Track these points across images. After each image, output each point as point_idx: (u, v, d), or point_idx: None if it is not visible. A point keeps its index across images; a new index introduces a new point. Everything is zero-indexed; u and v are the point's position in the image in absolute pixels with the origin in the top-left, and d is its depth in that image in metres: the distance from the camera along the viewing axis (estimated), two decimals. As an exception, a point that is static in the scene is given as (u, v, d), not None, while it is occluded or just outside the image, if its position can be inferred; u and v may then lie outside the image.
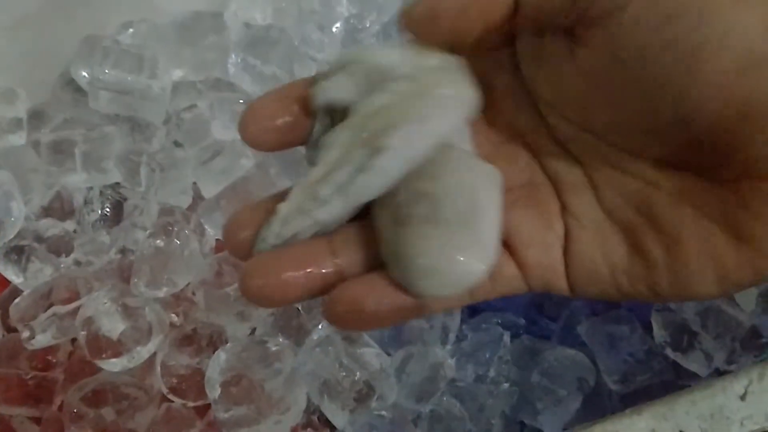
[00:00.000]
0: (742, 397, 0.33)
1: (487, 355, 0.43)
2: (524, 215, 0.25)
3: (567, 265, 0.24)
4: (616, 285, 0.24)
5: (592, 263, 0.24)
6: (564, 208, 0.25)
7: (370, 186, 0.22)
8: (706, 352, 0.45)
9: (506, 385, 0.42)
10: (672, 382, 0.44)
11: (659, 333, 0.45)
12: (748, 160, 0.20)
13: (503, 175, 0.24)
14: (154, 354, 0.41)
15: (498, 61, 0.25)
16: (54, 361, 0.43)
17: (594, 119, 0.23)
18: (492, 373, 0.43)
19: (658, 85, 0.20)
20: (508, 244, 0.24)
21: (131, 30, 0.48)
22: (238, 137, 0.46)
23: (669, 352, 0.45)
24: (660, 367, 0.45)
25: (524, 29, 0.24)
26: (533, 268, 0.24)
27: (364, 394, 0.40)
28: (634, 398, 0.42)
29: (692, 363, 0.44)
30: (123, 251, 0.43)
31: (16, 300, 0.42)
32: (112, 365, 0.41)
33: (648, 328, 0.46)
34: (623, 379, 0.44)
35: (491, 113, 0.26)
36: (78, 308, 0.41)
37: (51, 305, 0.41)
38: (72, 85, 0.48)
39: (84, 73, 0.46)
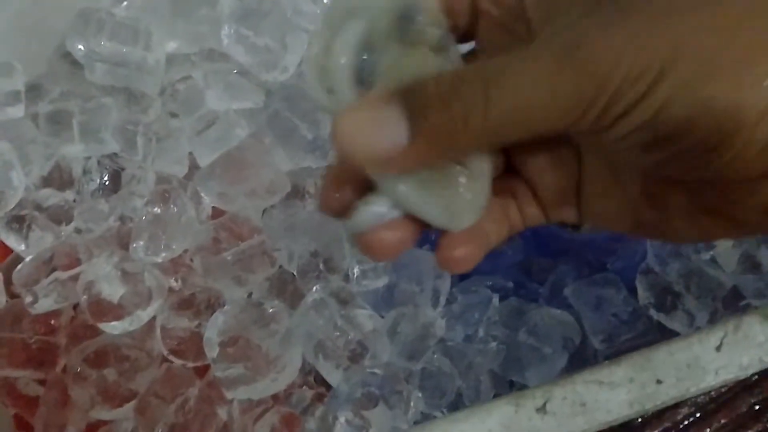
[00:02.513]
0: (718, 348, 0.34)
1: (476, 316, 0.44)
2: (544, 162, 0.27)
3: (578, 204, 0.27)
4: (619, 223, 0.26)
5: (601, 202, 0.26)
6: (581, 156, 0.26)
7: None
8: (688, 312, 0.46)
9: (494, 344, 0.43)
10: (655, 342, 0.46)
11: (643, 294, 0.47)
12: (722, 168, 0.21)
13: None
14: (154, 317, 0.43)
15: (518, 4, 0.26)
16: (56, 325, 0.44)
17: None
18: (480, 332, 0.44)
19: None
20: (532, 185, 0.27)
21: (125, 3, 0.49)
22: (232, 107, 0.48)
23: (653, 312, 0.46)
24: (644, 328, 0.46)
25: None
26: (552, 206, 0.27)
27: (357, 354, 0.42)
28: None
29: (675, 323, 0.46)
30: (122, 219, 0.45)
31: (19, 266, 0.43)
32: (113, 328, 0.42)
33: (633, 290, 0.47)
34: (608, 339, 0.45)
35: None
36: (79, 274, 0.43)
37: (53, 271, 0.43)
38: (68, 58, 0.49)
39: (80, 46, 0.47)
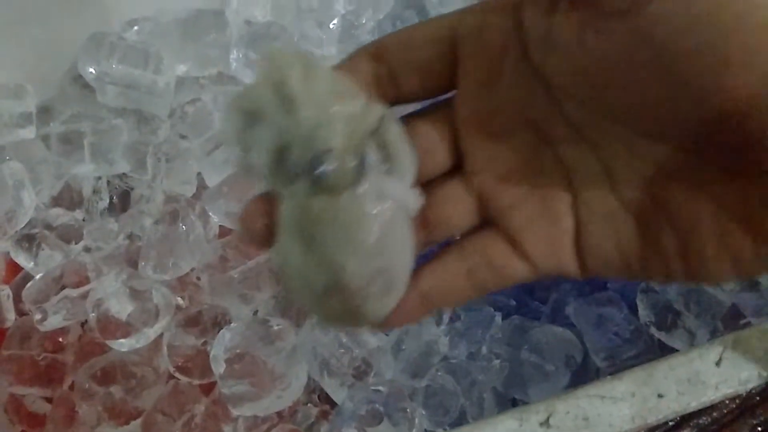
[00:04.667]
0: (717, 363, 0.35)
1: (479, 334, 0.45)
2: (531, 210, 0.24)
3: (578, 254, 0.24)
4: (628, 270, 0.24)
5: (604, 251, 0.24)
6: (576, 198, 0.24)
7: None
8: (688, 331, 0.47)
9: (497, 361, 0.44)
10: (656, 359, 0.46)
11: (644, 313, 0.47)
12: None
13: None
14: (161, 335, 0.43)
15: (504, 46, 0.24)
16: (64, 342, 0.45)
17: (611, 102, 0.22)
18: (484, 350, 0.45)
19: (681, 81, 0.20)
20: (513, 240, 0.24)
21: (136, 27, 0.50)
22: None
23: (653, 330, 0.47)
24: (645, 346, 0.47)
25: (534, 9, 0.23)
26: (540, 259, 0.24)
27: (361, 371, 0.42)
28: (619, 374, 0.44)
29: (676, 341, 0.47)
30: (130, 237, 0.45)
31: (29, 284, 0.44)
32: (121, 345, 0.43)
33: (634, 308, 0.48)
34: (610, 357, 0.46)
35: (499, 101, 0.24)
36: (88, 291, 0.43)
37: (62, 288, 0.43)
38: (79, 81, 0.50)
39: (91, 69, 0.48)
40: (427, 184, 0.25)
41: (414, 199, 0.24)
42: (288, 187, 0.23)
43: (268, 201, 0.24)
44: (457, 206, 0.25)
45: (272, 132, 0.23)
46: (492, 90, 0.24)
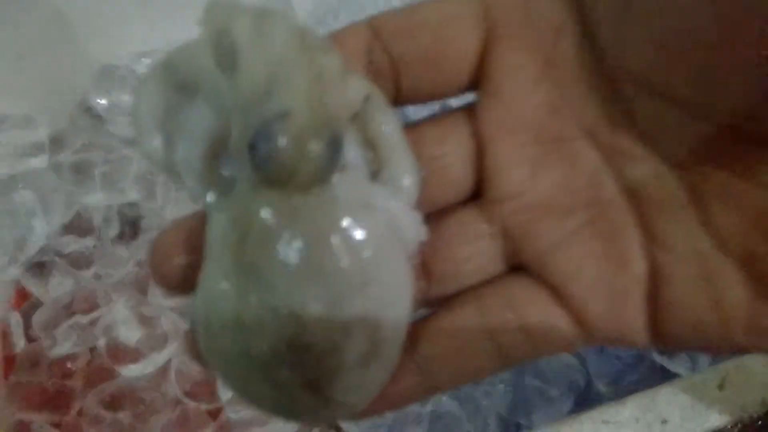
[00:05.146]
0: (720, 388, 0.35)
1: (484, 360, 0.45)
2: (587, 251, 0.18)
3: (652, 316, 0.17)
4: (728, 338, 0.17)
5: (692, 312, 0.17)
6: (650, 236, 0.17)
7: None
8: (690, 355, 0.47)
9: (501, 386, 0.44)
10: (659, 385, 0.47)
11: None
12: None
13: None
14: (170, 360, 0.44)
15: (559, 25, 0.17)
16: (73, 369, 0.45)
17: (716, 97, 0.15)
18: (488, 376, 0.45)
19: None
20: (562, 294, 0.18)
21: (145, 59, 0.51)
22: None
23: (656, 356, 0.47)
24: (647, 371, 0.47)
25: None
26: (596, 320, 0.18)
27: (367, 396, 0.43)
28: (622, 399, 0.45)
29: (678, 366, 0.47)
30: (140, 264, 0.46)
31: (39, 310, 0.44)
32: (130, 371, 0.43)
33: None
34: (612, 382, 0.46)
35: (547, 100, 0.18)
36: (97, 318, 0.44)
37: (72, 315, 0.44)
38: (90, 112, 0.51)
39: (102, 100, 0.49)
40: (434, 215, 0.19)
41: (415, 228, 0.17)
42: (224, 197, 0.16)
43: (190, 228, 0.17)
44: (477, 245, 0.18)
45: (207, 112, 0.16)
46: (537, 85, 0.18)
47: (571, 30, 0.17)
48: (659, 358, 0.47)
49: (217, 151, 0.16)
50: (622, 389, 0.46)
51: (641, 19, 0.16)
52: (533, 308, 0.18)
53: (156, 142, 0.16)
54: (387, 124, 0.17)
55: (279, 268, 0.15)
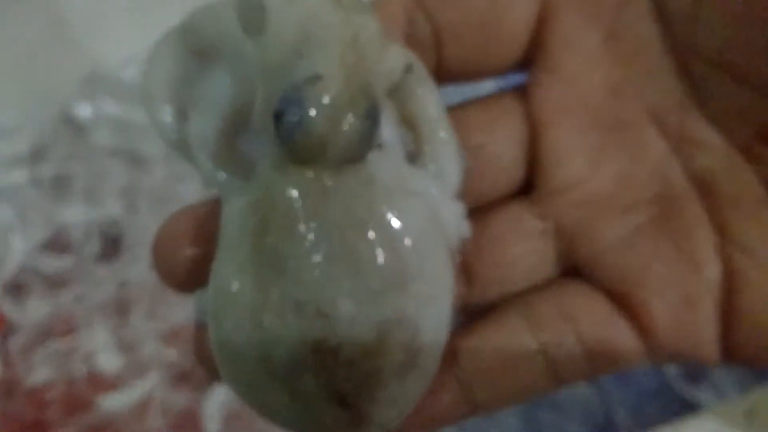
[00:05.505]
0: (747, 417, 0.32)
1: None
2: (653, 252, 0.16)
3: (725, 327, 0.16)
4: None
5: None
6: (724, 236, 0.16)
7: None
8: (716, 386, 0.44)
9: (513, 420, 0.41)
10: (683, 415, 0.44)
11: (669, 367, 0.45)
12: None
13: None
14: (152, 389, 0.41)
15: (627, 2, 0.16)
16: (51, 397, 0.42)
17: None
18: (498, 407, 0.42)
19: None
20: (624, 301, 0.16)
21: (131, 67, 0.49)
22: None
23: (677, 384, 0.44)
24: (668, 400, 0.44)
25: None
26: (664, 331, 0.16)
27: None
28: (644, 432, 0.42)
29: (701, 395, 0.44)
30: (122, 285, 0.43)
31: (15, 335, 0.42)
32: (110, 400, 0.40)
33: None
34: (633, 413, 0.43)
35: (609, 80, 0.16)
36: (76, 343, 0.41)
37: (49, 340, 0.41)
38: (72, 122, 0.49)
39: (86, 109, 0.47)
40: (479, 209, 0.16)
41: (456, 222, 0.15)
42: (243, 178, 0.14)
43: (200, 215, 0.15)
44: (526, 244, 0.16)
45: (227, 81, 0.14)
46: (599, 62, 0.16)
47: (643, 10, 0.15)
48: (681, 387, 0.44)
49: (236, 126, 0.14)
50: (642, 421, 0.43)
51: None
52: (591, 317, 0.16)
53: (168, 115, 0.15)
54: (429, 100, 0.15)
55: (305, 258, 0.13)
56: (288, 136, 0.12)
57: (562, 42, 0.16)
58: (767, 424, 0.32)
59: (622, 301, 0.16)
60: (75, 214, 0.45)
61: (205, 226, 0.15)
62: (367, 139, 0.13)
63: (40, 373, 0.41)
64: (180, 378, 0.41)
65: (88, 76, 0.47)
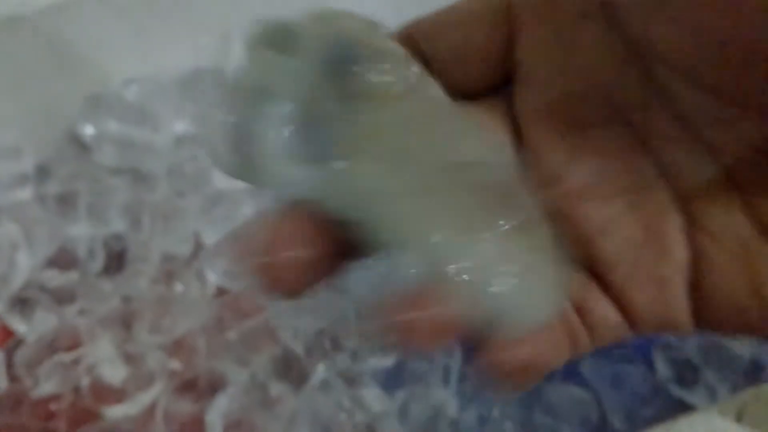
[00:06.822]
0: (738, 419, 0.33)
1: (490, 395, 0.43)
2: (626, 237, 0.18)
3: (696, 302, 0.17)
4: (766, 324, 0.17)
5: (732, 296, 0.17)
6: (691, 220, 0.17)
7: None
8: (709, 387, 0.44)
9: (509, 424, 0.42)
10: (675, 417, 0.44)
11: (662, 369, 0.45)
12: None
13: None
14: (156, 400, 0.42)
15: (583, 8, 0.17)
16: (57, 409, 0.43)
17: (747, 82, 0.15)
18: (495, 413, 0.43)
19: None
20: (605, 281, 0.18)
21: (134, 87, 0.50)
22: (239, 186, 0.48)
23: (672, 387, 0.45)
24: (663, 403, 0.44)
25: None
26: (642, 307, 0.18)
27: (365, 436, 0.40)
28: (638, 435, 0.42)
29: (695, 397, 0.44)
30: (126, 299, 0.44)
31: (21, 349, 0.43)
32: (114, 411, 0.41)
33: (651, 364, 0.46)
34: (628, 417, 0.44)
35: (577, 84, 0.17)
36: (81, 356, 0.42)
37: (55, 353, 0.42)
38: (76, 141, 0.50)
39: (89, 129, 0.48)
40: None
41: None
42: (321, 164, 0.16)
43: (305, 215, 0.16)
44: None
45: (306, 59, 0.16)
46: (566, 70, 0.17)
47: (595, 13, 0.17)
48: (677, 390, 0.44)
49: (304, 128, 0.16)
50: (638, 424, 0.43)
51: (675, 12, 0.15)
52: (577, 297, 0.18)
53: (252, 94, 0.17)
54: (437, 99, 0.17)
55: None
56: (350, 71, 0.15)
57: (529, 55, 0.18)
58: (758, 423, 0.33)
59: (603, 283, 0.18)
60: (80, 230, 0.46)
61: (293, 230, 0.16)
62: (418, 72, 0.16)
63: (46, 385, 0.42)
64: (184, 387, 0.41)
65: (92, 96, 0.48)
